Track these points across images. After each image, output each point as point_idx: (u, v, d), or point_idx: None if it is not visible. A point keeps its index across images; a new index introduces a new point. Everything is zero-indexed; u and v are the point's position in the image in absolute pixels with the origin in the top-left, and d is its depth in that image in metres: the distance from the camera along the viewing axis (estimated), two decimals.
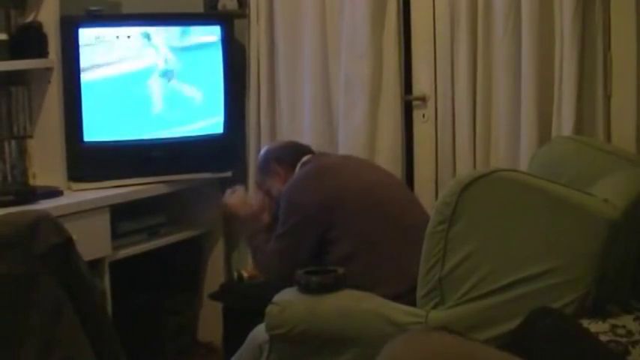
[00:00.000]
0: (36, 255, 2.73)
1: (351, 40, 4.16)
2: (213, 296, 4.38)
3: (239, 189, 3.98)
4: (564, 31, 3.62)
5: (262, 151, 3.93)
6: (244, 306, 4.10)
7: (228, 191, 3.97)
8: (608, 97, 3.66)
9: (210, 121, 4.39)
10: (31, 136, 4.12)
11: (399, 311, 3.07)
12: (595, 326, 2.67)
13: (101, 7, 4.18)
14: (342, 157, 3.93)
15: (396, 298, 3.16)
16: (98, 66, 4.10)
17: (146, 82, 4.23)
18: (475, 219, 2.92)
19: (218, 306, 4.37)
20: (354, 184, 3.52)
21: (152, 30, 4.24)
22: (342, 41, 4.21)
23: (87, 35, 4.07)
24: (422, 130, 4.15)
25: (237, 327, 3.96)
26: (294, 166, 3.71)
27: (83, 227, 3.66)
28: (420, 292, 3.02)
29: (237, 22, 4.50)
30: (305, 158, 3.72)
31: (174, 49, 4.27)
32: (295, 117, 4.35)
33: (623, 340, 2.62)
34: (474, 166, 3.90)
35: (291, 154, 3.77)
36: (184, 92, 4.31)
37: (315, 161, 3.70)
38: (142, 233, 4.27)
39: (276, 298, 3.24)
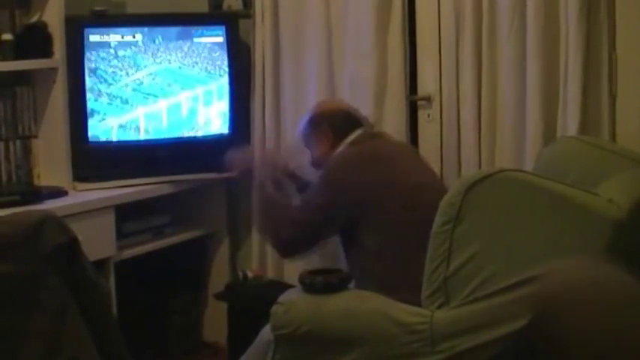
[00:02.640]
0: (41, 255, 2.73)
1: (356, 41, 4.16)
2: (219, 296, 4.38)
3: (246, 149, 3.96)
4: (569, 31, 3.62)
5: (318, 109, 3.85)
6: (249, 306, 4.10)
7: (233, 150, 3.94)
8: (613, 97, 3.65)
9: (215, 121, 4.39)
10: (35, 136, 4.12)
11: (403, 311, 3.06)
12: None
13: (106, 7, 4.18)
14: (397, 147, 3.83)
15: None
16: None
17: (151, 82, 4.24)
18: (480, 219, 2.92)
19: (223, 306, 4.37)
20: (401, 181, 3.47)
21: (156, 30, 4.24)
22: (346, 41, 4.21)
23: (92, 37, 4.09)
24: (427, 130, 4.15)
25: (242, 327, 3.97)
26: (345, 137, 3.66)
27: (88, 227, 3.66)
28: (424, 292, 3.01)
29: (242, 23, 4.50)
30: (357, 133, 3.67)
31: (179, 50, 4.28)
32: (300, 117, 4.33)
33: None
34: (479, 166, 3.90)
35: (346, 124, 3.70)
36: (189, 92, 4.31)
37: (370, 143, 3.65)
38: (147, 233, 4.28)
39: (281, 298, 3.24)
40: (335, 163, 3.58)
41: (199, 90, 4.33)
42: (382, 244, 3.39)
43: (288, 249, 3.66)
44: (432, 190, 3.47)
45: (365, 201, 3.42)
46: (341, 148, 3.65)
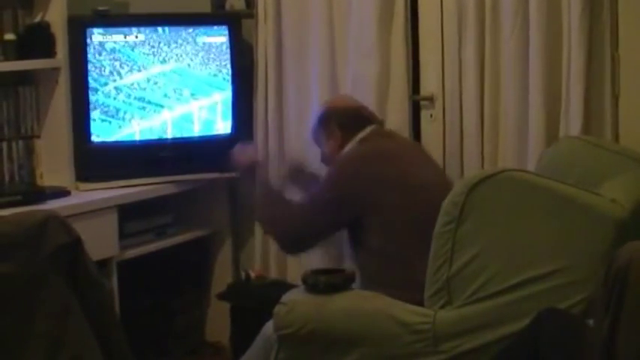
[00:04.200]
0: (44, 255, 2.74)
1: (359, 40, 4.16)
2: (221, 296, 4.38)
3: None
4: (572, 31, 3.62)
5: (326, 107, 3.85)
6: (252, 306, 4.10)
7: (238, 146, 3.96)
8: (615, 97, 3.65)
9: (218, 121, 4.39)
10: (38, 136, 4.12)
11: (406, 311, 3.07)
12: None
13: (108, 7, 4.18)
14: (406, 146, 3.82)
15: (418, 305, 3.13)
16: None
17: (153, 83, 4.24)
18: (483, 219, 2.92)
19: (226, 306, 4.36)
20: (405, 181, 3.45)
21: (159, 30, 4.24)
22: (349, 41, 4.21)
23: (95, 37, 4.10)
24: (429, 130, 4.15)
25: (244, 327, 3.97)
26: (354, 135, 3.65)
27: (91, 227, 3.65)
28: (427, 292, 3.02)
29: (244, 22, 4.50)
30: (367, 131, 3.65)
31: (182, 50, 4.27)
32: (303, 117, 4.35)
33: None
34: (482, 166, 3.89)
35: (354, 122, 3.69)
36: (192, 92, 4.31)
37: (378, 141, 3.64)
38: (150, 233, 4.28)
39: (284, 298, 3.24)
40: (342, 162, 3.58)
41: (201, 90, 4.33)
42: (384, 243, 3.38)
43: (292, 246, 3.68)
44: (436, 190, 3.42)
45: (368, 199, 3.42)
46: (350, 145, 3.65)
